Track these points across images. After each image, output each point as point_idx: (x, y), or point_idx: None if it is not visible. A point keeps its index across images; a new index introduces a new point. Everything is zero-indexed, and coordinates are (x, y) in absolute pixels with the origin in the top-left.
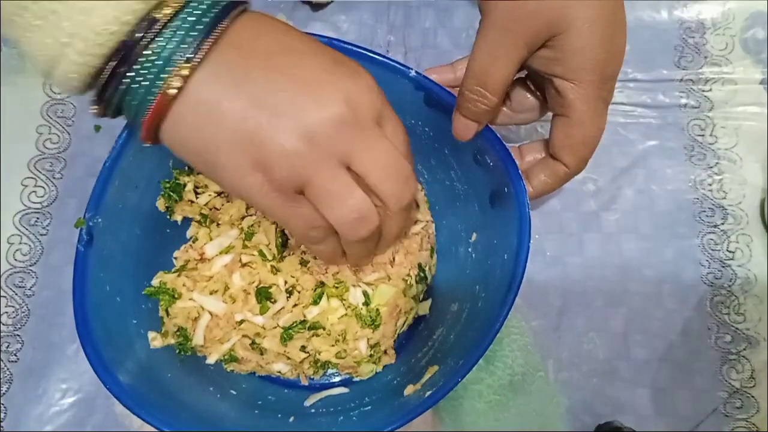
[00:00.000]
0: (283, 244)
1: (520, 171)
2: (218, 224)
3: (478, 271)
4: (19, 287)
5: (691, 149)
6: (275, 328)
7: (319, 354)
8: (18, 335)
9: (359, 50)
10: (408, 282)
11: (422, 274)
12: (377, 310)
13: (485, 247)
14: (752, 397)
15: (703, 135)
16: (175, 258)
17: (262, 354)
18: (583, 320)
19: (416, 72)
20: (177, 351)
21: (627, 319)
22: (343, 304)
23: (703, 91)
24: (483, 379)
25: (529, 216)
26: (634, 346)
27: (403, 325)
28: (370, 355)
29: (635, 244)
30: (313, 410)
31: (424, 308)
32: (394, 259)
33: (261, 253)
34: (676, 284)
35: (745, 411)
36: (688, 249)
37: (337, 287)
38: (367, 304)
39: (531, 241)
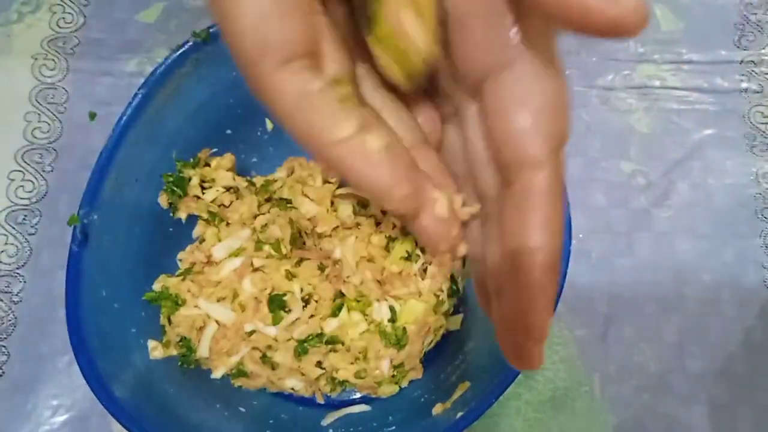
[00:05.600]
0: (298, 244)
1: None
2: (228, 223)
3: None
4: (5, 293)
5: (752, 139)
6: (289, 340)
7: (337, 372)
8: (3, 347)
9: None
10: (440, 298)
11: (454, 287)
12: (404, 328)
13: None
14: None
15: (766, 123)
16: (180, 260)
17: (273, 369)
18: (632, 329)
19: None
20: (180, 363)
21: (682, 328)
22: (366, 319)
23: (766, 74)
24: (521, 394)
25: (569, 214)
26: (690, 358)
27: (431, 343)
28: (393, 376)
29: (691, 245)
30: (330, 430)
31: (455, 324)
32: (425, 271)
33: (274, 246)
34: (737, 289)
35: None
36: (750, 250)
37: (359, 301)
38: (393, 321)
39: (574, 242)
